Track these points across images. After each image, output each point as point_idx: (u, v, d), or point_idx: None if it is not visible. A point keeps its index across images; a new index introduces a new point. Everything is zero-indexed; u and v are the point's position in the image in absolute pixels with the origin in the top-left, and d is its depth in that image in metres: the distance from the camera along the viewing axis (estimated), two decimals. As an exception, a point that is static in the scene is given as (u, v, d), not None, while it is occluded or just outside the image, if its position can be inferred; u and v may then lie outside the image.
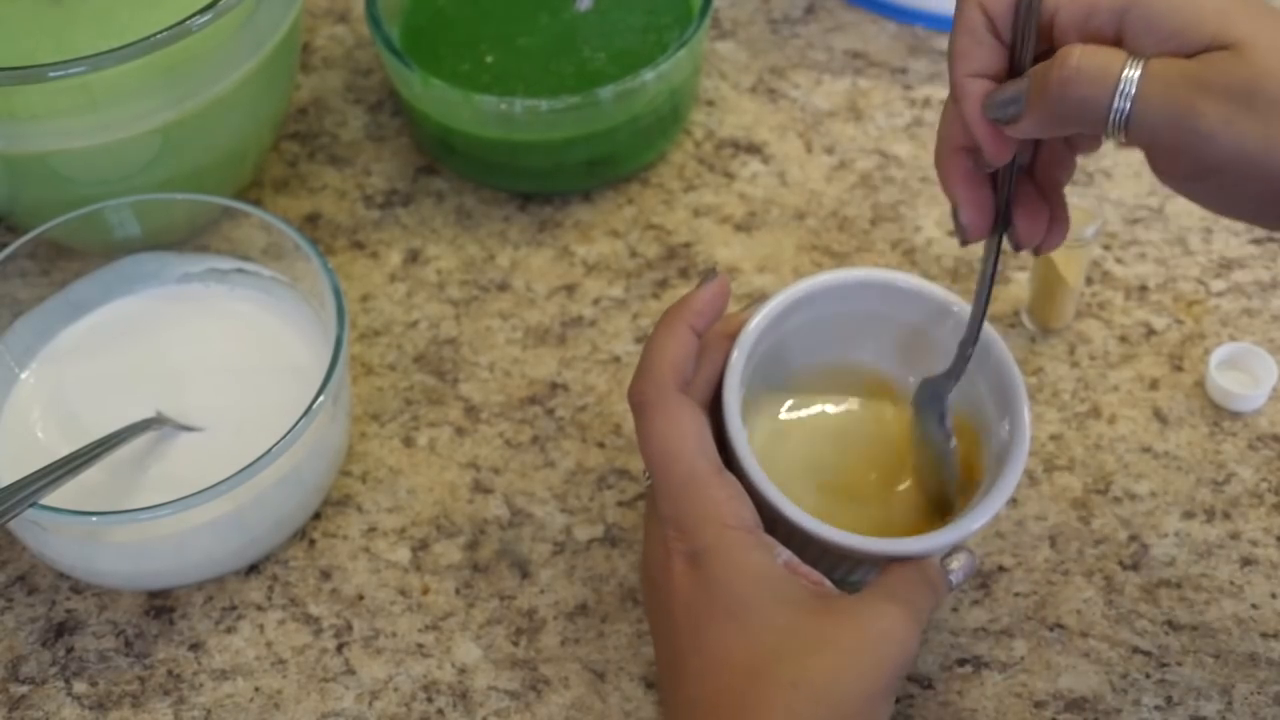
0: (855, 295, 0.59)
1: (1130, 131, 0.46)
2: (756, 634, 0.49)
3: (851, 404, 0.61)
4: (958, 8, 0.50)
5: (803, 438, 0.60)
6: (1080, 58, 0.47)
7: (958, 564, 0.54)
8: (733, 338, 0.56)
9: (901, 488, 0.59)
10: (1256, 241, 0.72)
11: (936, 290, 0.59)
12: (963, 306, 0.58)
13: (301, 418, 0.58)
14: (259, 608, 0.62)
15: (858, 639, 0.49)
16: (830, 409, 0.61)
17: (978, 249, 0.71)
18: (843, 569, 0.56)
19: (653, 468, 0.52)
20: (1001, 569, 0.61)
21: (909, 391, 0.60)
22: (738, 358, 0.56)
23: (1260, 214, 0.49)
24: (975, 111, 0.50)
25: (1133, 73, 0.46)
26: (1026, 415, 0.56)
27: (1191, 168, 0.47)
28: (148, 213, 0.67)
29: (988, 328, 0.56)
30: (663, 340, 0.54)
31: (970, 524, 0.54)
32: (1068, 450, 0.65)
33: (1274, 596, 0.60)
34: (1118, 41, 0.47)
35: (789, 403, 0.61)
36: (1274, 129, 0.45)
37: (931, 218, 0.73)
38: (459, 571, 0.62)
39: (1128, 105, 0.46)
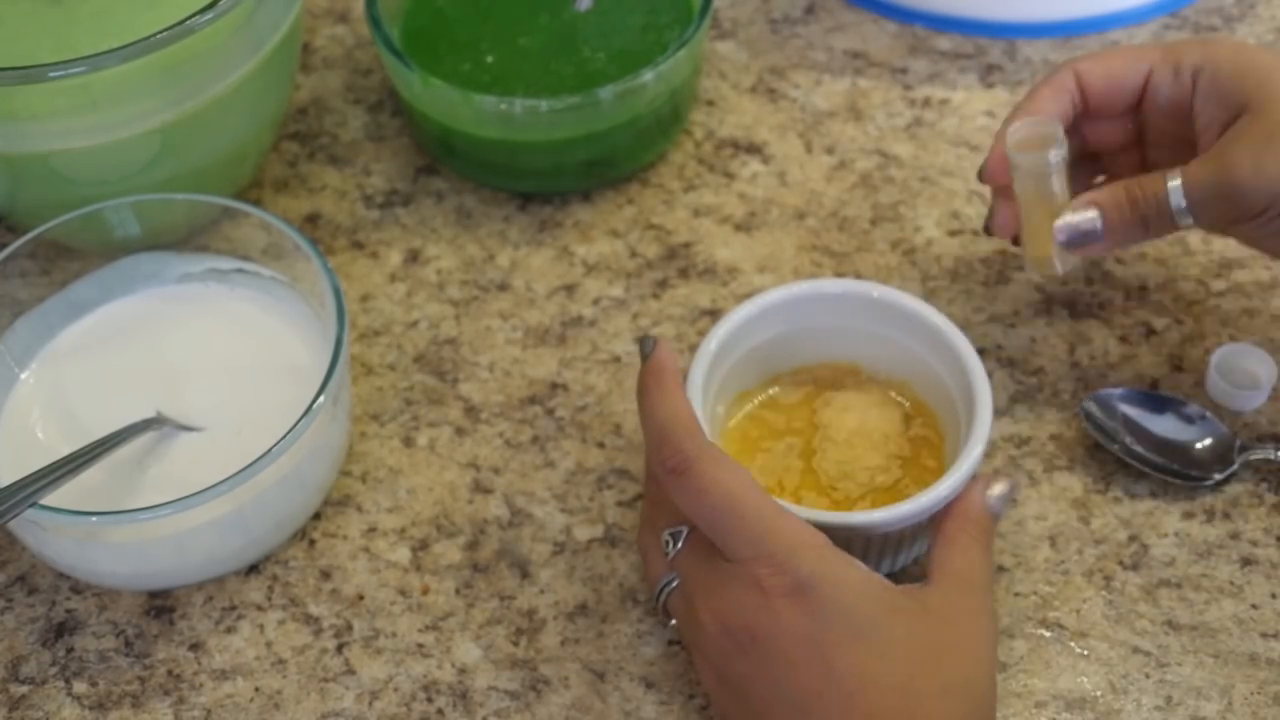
0: (807, 308, 0.62)
1: (1195, 219, 0.59)
2: (885, 649, 0.50)
3: (823, 392, 0.64)
4: (1057, 71, 0.62)
5: (776, 438, 0.63)
6: (1138, 193, 0.59)
7: (995, 492, 0.57)
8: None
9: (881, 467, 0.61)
10: (1256, 241, 0.72)
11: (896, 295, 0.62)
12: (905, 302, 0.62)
13: (301, 418, 0.58)
14: (259, 608, 0.62)
15: (961, 627, 0.52)
16: (801, 400, 0.64)
17: (975, 249, 0.72)
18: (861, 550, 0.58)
19: (720, 514, 0.52)
20: (1001, 569, 0.61)
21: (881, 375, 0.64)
22: (695, 377, 0.59)
23: None
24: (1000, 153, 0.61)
25: (1174, 182, 0.58)
26: (984, 379, 0.59)
27: (1239, 213, 0.58)
28: (148, 213, 0.67)
29: (948, 324, 0.60)
30: (668, 403, 0.55)
31: (963, 463, 0.57)
32: (1068, 450, 0.65)
33: (1274, 596, 0.60)
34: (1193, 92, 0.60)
35: (759, 400, 0.64)
36: None
37: (931, 218, 0.73)
38: (459, 571, 0.62)
39: (1183, 203, 0.58)
